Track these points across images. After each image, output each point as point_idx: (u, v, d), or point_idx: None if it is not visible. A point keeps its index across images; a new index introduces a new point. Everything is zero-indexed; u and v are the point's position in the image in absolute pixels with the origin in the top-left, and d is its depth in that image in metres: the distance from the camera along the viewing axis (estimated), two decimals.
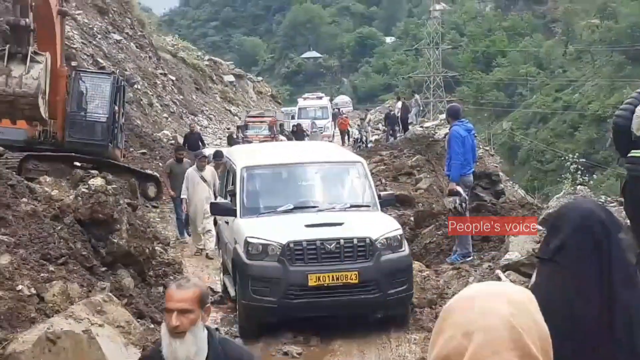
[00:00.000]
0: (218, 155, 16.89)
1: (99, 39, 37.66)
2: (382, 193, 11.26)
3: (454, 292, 10.26)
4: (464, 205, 11.65)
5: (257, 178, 10.93)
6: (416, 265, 11.20)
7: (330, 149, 12.65)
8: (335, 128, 46.48)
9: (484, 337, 1.54)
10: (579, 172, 16.33)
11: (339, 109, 55.01)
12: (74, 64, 24.07)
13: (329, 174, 11.27)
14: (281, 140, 33.65)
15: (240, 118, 43.30)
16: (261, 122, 36.32)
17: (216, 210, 11.48)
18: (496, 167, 26.15)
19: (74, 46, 31.84)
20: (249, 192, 10.63)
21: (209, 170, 15.53)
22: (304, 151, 12.21)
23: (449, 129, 12.53)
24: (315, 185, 11.11)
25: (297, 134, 37.38)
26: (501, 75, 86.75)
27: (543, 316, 1.68)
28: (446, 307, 1.65)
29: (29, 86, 15.66)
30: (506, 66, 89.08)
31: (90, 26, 37.64)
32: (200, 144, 25.68)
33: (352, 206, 10.52)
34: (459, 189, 11.73)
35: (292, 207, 10.33)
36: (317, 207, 10.45)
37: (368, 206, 10.59)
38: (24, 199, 10.86)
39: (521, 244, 10.54)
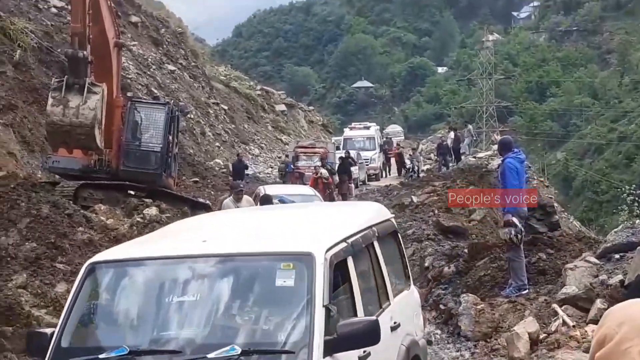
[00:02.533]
0: (266, 200, 14.62)
1: (154, 69, 38.25)
2: (343, 322, 4.98)
3: (509, 326, 10.07)
4: (519, 236, 11.46)
5: (101, 287, 5.64)
6: (471, 297, 11.01)
7: (296, 223, 6.62)
8: (383, 158, 45.95)
9: (630, 325, 2.62)
10: (636, 203, 16.01)
11: (390, 138, 54.45)
12: (129, 94, 24.42)
13: (235, 280, 5.44)
14: (322, 175, 28.01)
15: (289, 146, 42.93)
16: (313, 153, 34.61)
17: (29, 347, 5.72)
18: (551, 198, 25.73)
19: (129, 76, 32.38)
20: (81, 315, 5.43)
21: (246, 201, 14.63)
22: (236, 230, 6.28)
23: (501, 161, 12.37)
24: (201, 303, 5.32)
25: (344, 165, 32.43)
26: (555, 105, 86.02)
27: None
28: (607, 310, 2.78)
29: (85, 116, 16.00)
30: (560, 96, 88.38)
31: (145, 57, 38.26)
32: (244, 173, 25.67)
33: (249, 352, 4.77)
34: (515, 220, 11.56)
35: (126, 351, 5.03)
36: (181, 352, 4.94)
37: (291, 353, 4.79)
38: (81, 228, 11.01)
39: (578, 278, 10.29)
